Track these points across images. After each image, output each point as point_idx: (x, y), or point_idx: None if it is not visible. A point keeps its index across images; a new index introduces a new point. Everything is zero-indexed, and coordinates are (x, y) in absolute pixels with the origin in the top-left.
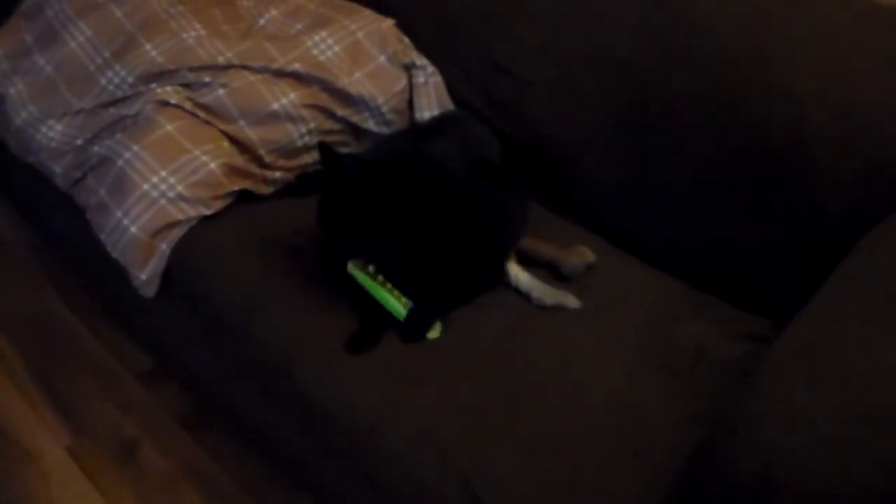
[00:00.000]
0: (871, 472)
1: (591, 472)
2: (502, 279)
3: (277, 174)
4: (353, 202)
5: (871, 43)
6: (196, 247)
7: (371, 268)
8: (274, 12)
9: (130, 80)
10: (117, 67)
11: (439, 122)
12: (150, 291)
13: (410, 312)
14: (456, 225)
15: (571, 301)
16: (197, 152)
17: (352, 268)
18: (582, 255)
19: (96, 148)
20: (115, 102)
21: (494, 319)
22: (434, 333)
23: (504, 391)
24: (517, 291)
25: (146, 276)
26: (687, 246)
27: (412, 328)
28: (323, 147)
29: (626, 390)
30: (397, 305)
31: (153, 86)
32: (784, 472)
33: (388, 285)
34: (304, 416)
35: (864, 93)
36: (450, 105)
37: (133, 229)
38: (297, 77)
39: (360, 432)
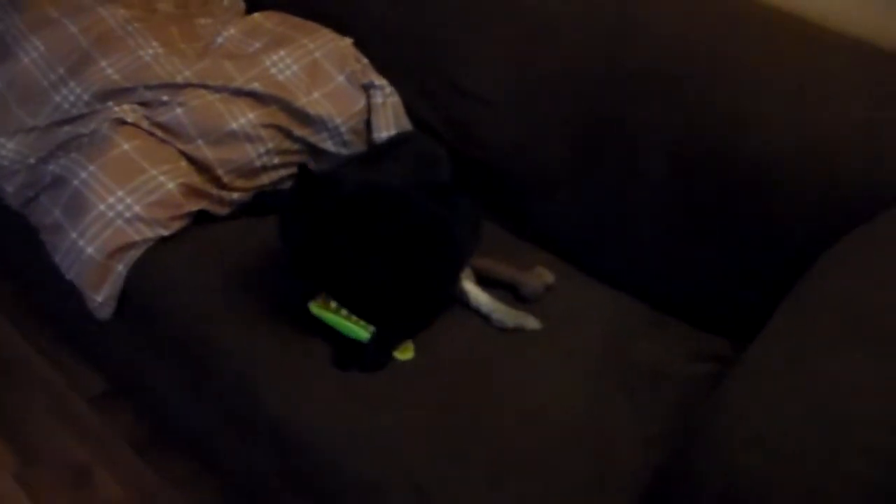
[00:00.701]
0: (830, 483)
1: (557, 497)
2: (458, 298)
3: (235, 195)
4: (315, 231)
5: (836, 74)
6: (153, 268)
7: (333, 303)
8: (232, 31)
9: (86, 97)
10: (72, 84)
11: (392, 143)
12: (105, 314)
13: (371, 341)
14: (406, 247)
15: (531, 322)
16: (154, 172)
17: (313, 307)
18: (541, 276)
19: (51, 167)
20: (71, 120)
21: (456, 341)
22: (408, 355)
23: (467, 413)
24: (477, 313)
25: (102, 297)
26: (644, 266)
27: (373, 356)
28: (303, 170)
29: (587, 412)
30: (362, 332)
31: (109, 104)
32: (748, 490)
33: (347, 314)
34: (267, 440)
35: (827, 123)
36: (408, 125)
37: (89, 250)
38: (255, 97)
39: (324, 456)
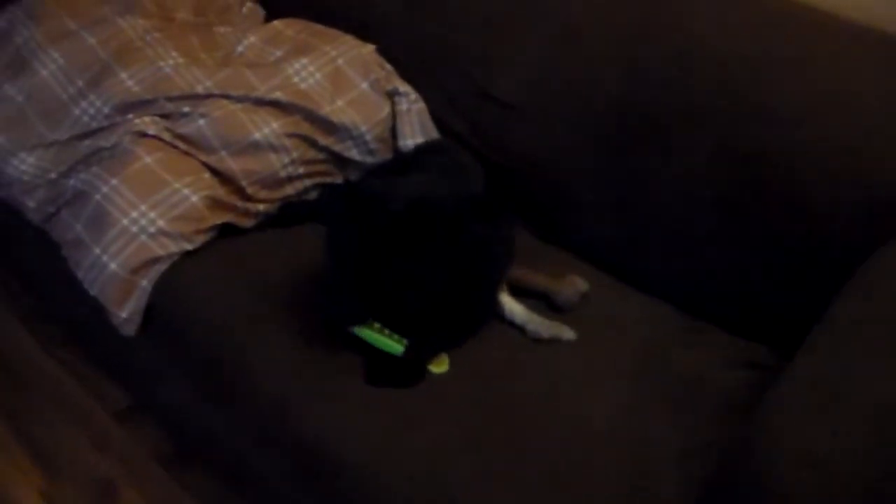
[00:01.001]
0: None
1: None
2: (496, 312)
3: (261, 206)
4: (364, 246)
5: (871, 71)
6: (179, 283)
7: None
8: (252, 38)
9: (106, 110)
10: (92, 97)
11: (420, 151)
12: (130, 330)
13: (405, 355)
14: (451, 265)
15: (567, 333)
16: (178, 185)
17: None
18: (575, 284)
19: (72, 181)
20: (91, 134)
21: (492, 354)
22: (443, 368)
23: (506, 428)
24: (511, 324)
25: (126, 314)
26: (679, 272)
27: (407, 371)
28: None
29: (627, 423)
30: (396, 346)
31: (130, 116)
32: None
33: (380, 327)
34: (300, 458)
35: (863, 121)
36: (434, 132)
37: (112, 266)
38: (278, 106)
39: (361, 474)
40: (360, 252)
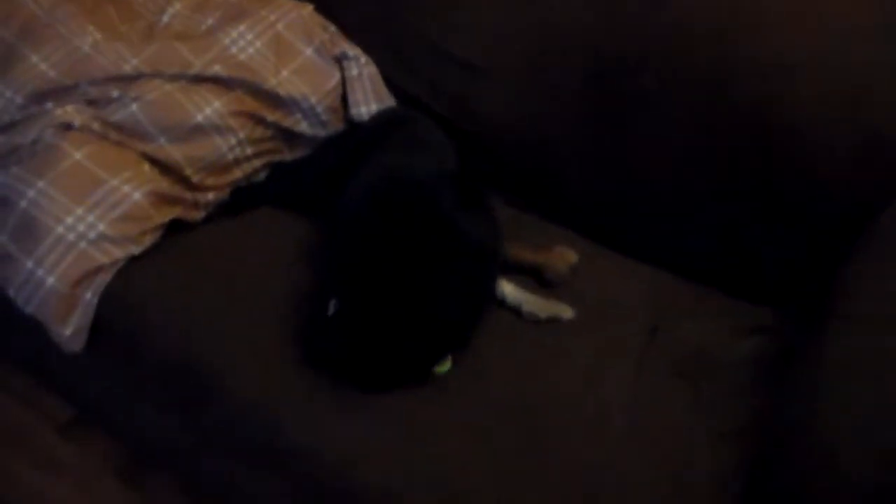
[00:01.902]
0: None
1: None
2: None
3: (210, 195)
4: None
5: (865, 14)
6: (128, 292)
7: None
8: (178, 6)
9: (18, 100)
10: (0, 87)
11: (381, 122)
12: (75, 346)
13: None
14: (452, 268)
15: (565, 311)
16: (115, 182)
17: None
18: (564, 257)
19: None
20: (4, 129)
21: (492, 344)
22: (445, 367)
23: (521, 429)
24: (502, 305)
25: (70, 331)
26: (673, 237)
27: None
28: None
29: (648, 410)
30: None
31: (48, 105)
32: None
33: None
34: (291, 472)
35: (859, 66)
36: (389, 98)
37: (50, 280)
38: (218, 82)
39: (378, 496)
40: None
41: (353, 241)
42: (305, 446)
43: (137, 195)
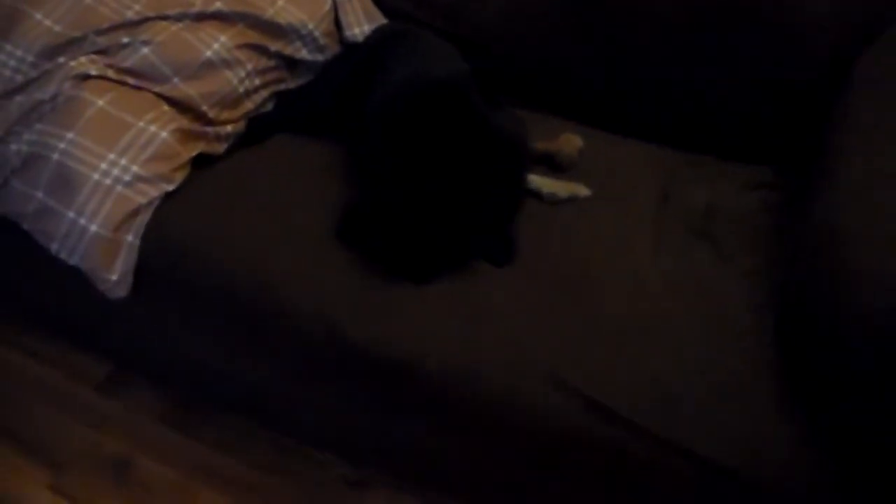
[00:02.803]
0: None
1: (696, 352)
2: None
3: (229, 128)
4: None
5: None
6: (170, 229)
7: None
8: None
9: (30, 58)
10: (9, 48)
11: (388, 41)
12: (122, 291)
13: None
14: (482, 157)
15: (582, 190)
16: (142, 124)
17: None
18: (571, 141)
19: (13, 146)
20: (20, 89)
21: (521, 227)
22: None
23: (570, 295)
24: (525, 192)
25: (117, 275)
26: (668, 110)
27: (502, 253)
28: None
29: (675, 264)
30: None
31: (61, 60)
32: None
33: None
34: (364, 378)
35: None
36: (380, 17)
37: (93, 227)
38: (220, 17)
39: (442, 374)
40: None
41: (388, 145)
42: (371, 344)
43: (164, 134)
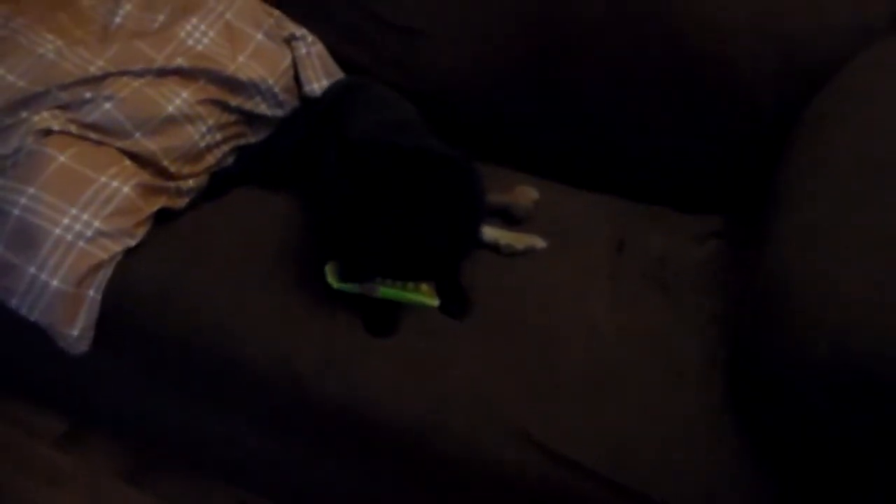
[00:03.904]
0: None
1: (652, 401)
2: None
3: (191, 182)
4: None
5: None
6: (132, 284)
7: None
8: (128, 7)
9: None
10: None
11: (344, 95)
12: (83, 347)
13: (447, 297)
14: (450, 204)
15: (539, 242)
16: (104, 179)
17: (382, 291)
18: (526, 193)
19: None
20: None
21: (476, 279)
22: (434, 300)
23: (526, 347)
24: (480, 245)
25: (78, 331)
26: (620, 163)
27: (458, 305)
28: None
29: (628, 313)
30: (426, 298)
31: (23, 115)
32: (859, 344)
33: (413, 286)
34: (327, 432)
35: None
36: (338, 72)
37: (54, 283)
38: (182, 73)
39: (408, 429)
40: (361, 206)
41: (345, 194)
42: (334, 398)
43: (126, 189)
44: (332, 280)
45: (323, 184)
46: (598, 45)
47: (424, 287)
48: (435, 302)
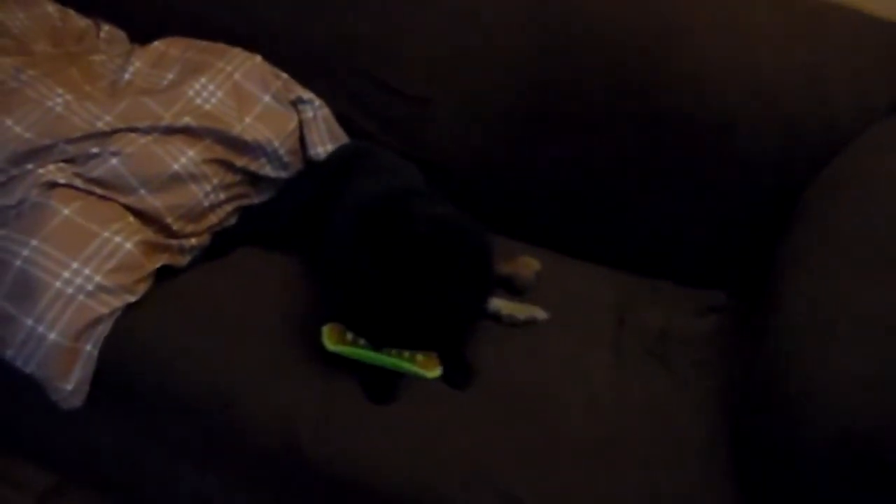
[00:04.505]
0: None
1: (651, 473)
2: None
3: (193, 240)
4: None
5: (770, 29)
6: (130, 340)
7: (361, 340)
8: (138, 64)
9: None
10: None
11: (349, 159)
12: (76, 402)
13: (449, 367)
14: (465, 275)
15: (540, 313)
16: (107, 234)
17: (344, 349)
18: (528, 264)
19: None
20: None
21: (478, 349)
22: (436, 372)
23: (527, 417)
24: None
25: (72, 385)
26: (622, 236)
27: (461, 375)
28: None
29: (629, 386)
30: (423, 370)
31: (29, 167)
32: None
33: (398, 353)
34: (320, 495)
35: (769, 72)
36: (343, 137)
37: (52, 336)
38: (189, 132)
39: (402, 495)
40: (381, 276)
41: (352, 259)
42: (328, 460)
43: (129, 245)
44: (327, 342)
45: (331, 248)
46: (599, 122)
47: (420, 358)
48: (434, 373)
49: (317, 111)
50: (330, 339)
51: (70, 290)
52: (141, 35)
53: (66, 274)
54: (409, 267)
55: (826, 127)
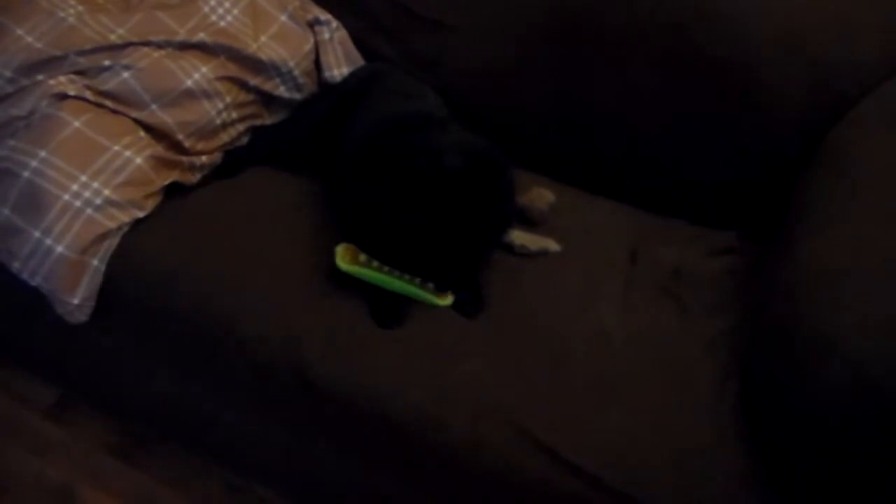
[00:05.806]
0: None
1: (660, 410)
2: None
3: (204, 158)
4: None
5: None
6: (136, 256)
7: (374, 262)
8: None
9: (8, 73)
10: None
11: (368, 81)
12: (82, 316)
13: (462, 296)
14: (493, 207)
15: (553, 245)
16: (117, 148)
17: (357, 270)
18: (543, 196)
19: None
20: None
21: (491, 278)
22: (448, 300)
23: (536, 347)
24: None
25: (79, 299)
26: (639, 173)
27: (472, 304)
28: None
29: (640, 323)
30: (434, 297)
31: (39, 77)
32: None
33: (410, 278)
34: (326, 419)
35: (804, 10)
36: (359, 60)
37: (59, 249)
38: (203, 48)
39: (409, 422)
40: (403, 205)
41: (368, 182)
42: (335, 383)
43: (139, 160)
44: (340, 261)
45: (347, 172)
46: (619, 54)
47: (432, 285)
48: (445, 301)
49: (333, 33)
50: (343, 258)
51: (78, 204)
52: None
53: (75, 187)
54: (437, 199)
55: (853, 73)
